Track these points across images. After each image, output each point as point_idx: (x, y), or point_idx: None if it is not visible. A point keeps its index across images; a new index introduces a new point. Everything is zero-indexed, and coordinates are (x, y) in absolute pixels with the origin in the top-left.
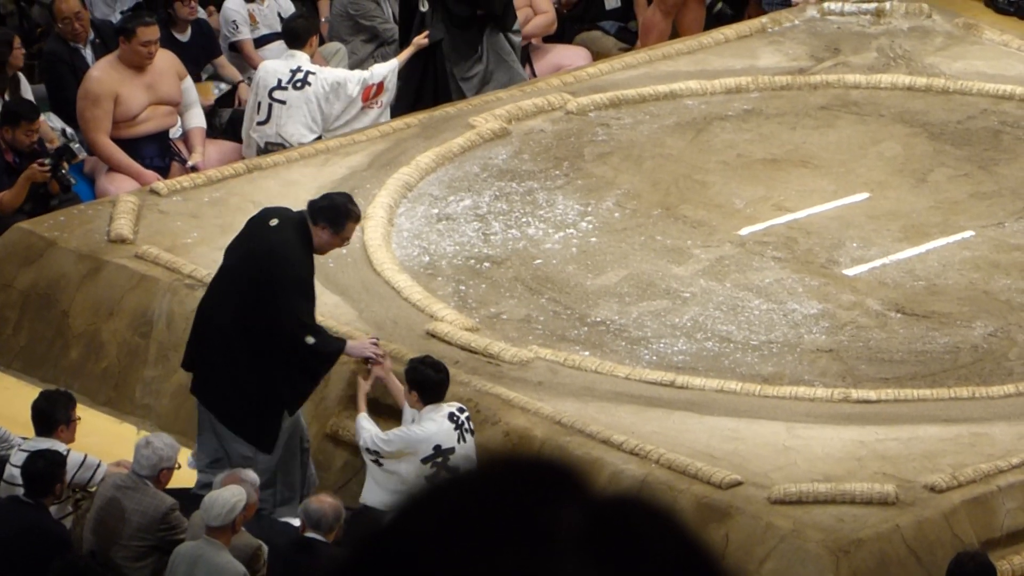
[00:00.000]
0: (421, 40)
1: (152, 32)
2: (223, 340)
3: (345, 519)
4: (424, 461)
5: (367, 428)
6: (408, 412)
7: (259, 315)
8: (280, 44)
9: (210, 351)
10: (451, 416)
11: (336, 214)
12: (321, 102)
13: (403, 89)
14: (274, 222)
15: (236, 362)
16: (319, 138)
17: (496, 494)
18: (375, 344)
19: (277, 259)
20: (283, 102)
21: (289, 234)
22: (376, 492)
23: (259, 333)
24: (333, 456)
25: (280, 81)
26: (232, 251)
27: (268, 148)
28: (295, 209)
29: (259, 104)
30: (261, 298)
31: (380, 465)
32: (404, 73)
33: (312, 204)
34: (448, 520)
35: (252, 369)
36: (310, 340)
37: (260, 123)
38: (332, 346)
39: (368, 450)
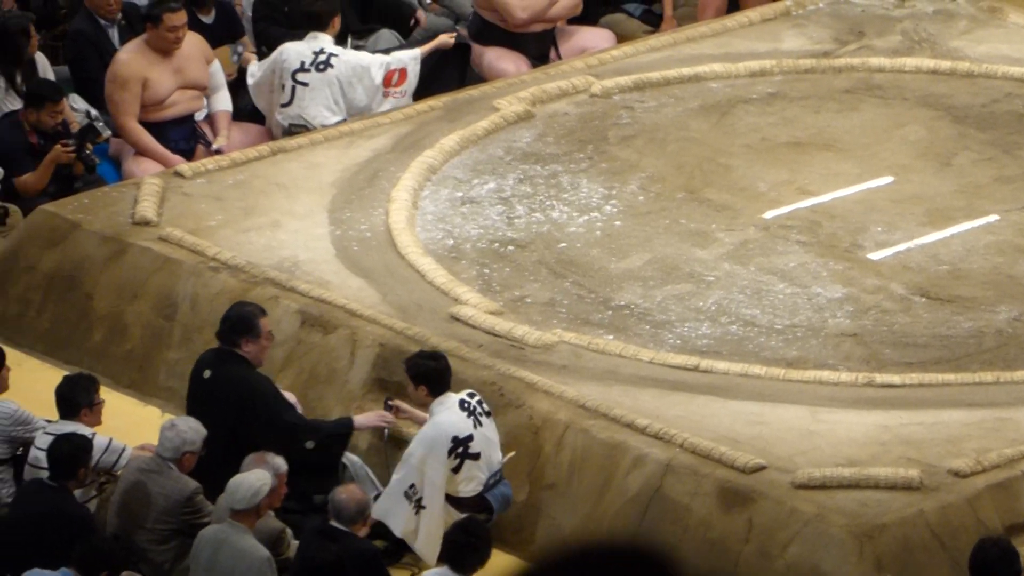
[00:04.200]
0: (447, 39)
1: (179, 18)
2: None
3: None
4: (449, 455)
5: (384, 497)
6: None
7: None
8: None
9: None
10: (462, 404)
11: (246, 324)
12: (343, 85)
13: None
14: (207, 374)
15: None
16: (342, 120)
17: None
18: (386, 412)
19: (244, 398)
20: (306, 84)
21: (229, 370)
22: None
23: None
24: (359, 438)
25: (303, 63)
26: (199, 415)
27: (292, 130)
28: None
29: (282, 86)
30: (253, 435)
31: (425, 507)
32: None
33: (223, 334)
34: None
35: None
36: (309, 445)
37: (283, 105)
38: (338, 430)
39: (409, 497)
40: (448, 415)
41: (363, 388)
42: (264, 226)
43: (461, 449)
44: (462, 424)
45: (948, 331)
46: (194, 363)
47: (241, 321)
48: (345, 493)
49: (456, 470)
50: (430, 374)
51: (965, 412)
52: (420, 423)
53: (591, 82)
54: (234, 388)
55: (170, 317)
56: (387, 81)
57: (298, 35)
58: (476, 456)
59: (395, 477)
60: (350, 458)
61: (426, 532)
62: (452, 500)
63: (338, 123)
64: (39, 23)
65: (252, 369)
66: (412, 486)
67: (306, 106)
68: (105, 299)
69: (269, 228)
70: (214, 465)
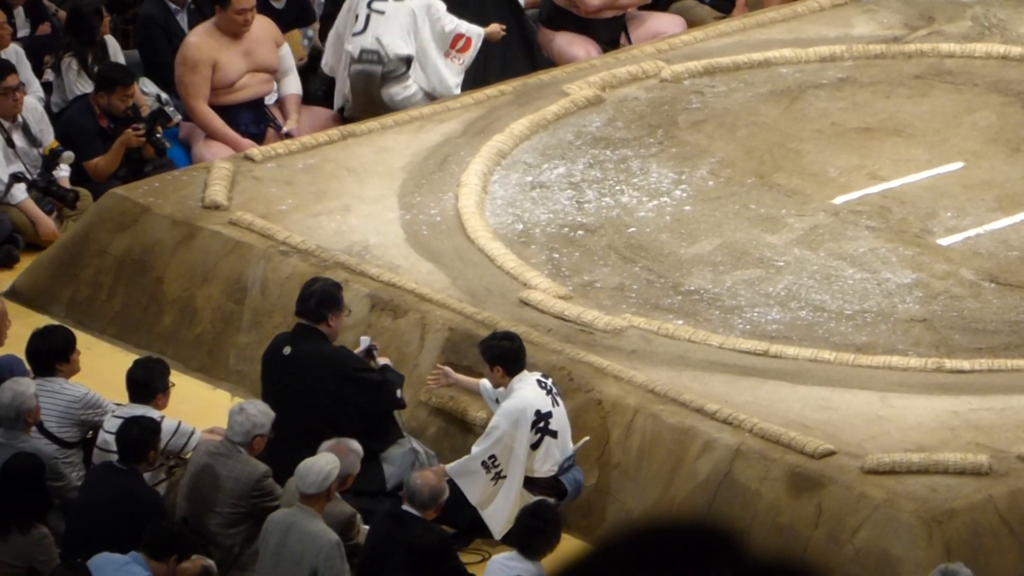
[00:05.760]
0: (498, 30)
1: (247, 0)
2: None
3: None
4: (531, 428)
5: (464, 461)
6: (488, 392)
7: (353, 419)
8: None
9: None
10: (539, 383)
11: (332, 298)
12: (417, 19)
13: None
14: (287, 351)
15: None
16: (411, 59)
17: (652, 557)
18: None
19: (330, 369)
20: (382, 12)
21: (310, 346)
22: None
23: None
24: (427, 423)
25: None
26: (276, 393)
27: (362, 57)
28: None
29: (356, 16)
30: (347, 409)
31: (505, 477)
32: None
33: (310, 311)
34: None
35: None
36: (399, 393)
37: (356, 33)
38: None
39: (487, 467)
40: (530, 390)
41: (433, 372)
42: (334, 210)
43: (543, 424)
44: (542, 400)
45: (1018, 316)
46: (268, 344)
47: (328, 296)
48: (421, 479)
49: (535, 446)
50: (505, 354)
51: None
52: (469, 388)
53: (661, 67)
54: (318, 362)
55: (240, 301)
56: (453, 43)
57: None
58: (554, 434)
59: (476, 448)
60: (425, 449)
61: (501, 502)
62: (527, 481)
63: (408, 56)
64: (109, 7)
65: (330, 344)
66: (492, 457)
67: (381, 33)
68: (175, 283)
69: (339, 212)
70: (286, 446)
